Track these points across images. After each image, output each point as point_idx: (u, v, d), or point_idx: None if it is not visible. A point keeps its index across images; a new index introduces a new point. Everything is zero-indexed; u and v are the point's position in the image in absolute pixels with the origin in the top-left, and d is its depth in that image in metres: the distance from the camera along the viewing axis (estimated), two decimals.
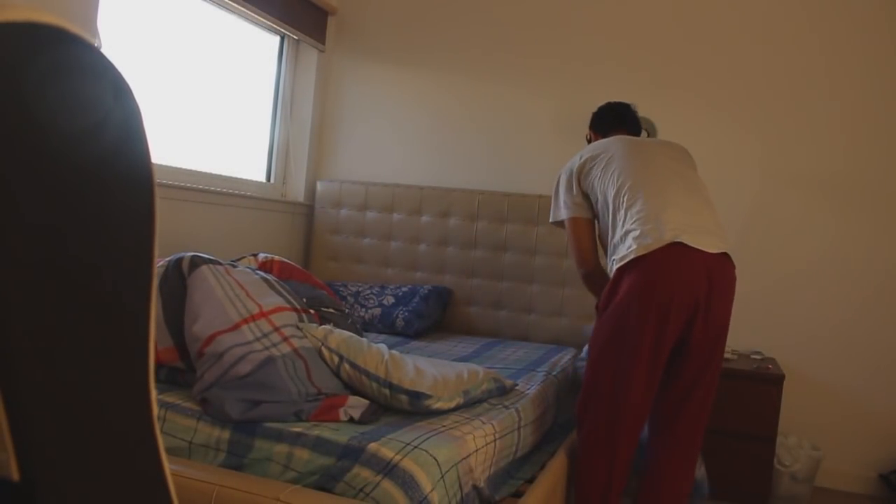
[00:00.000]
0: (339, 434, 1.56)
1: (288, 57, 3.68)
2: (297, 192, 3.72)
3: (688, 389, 1.96)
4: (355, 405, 1.72)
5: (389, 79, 3.69)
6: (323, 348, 1.83)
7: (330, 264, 3.60)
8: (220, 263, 1.98)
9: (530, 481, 1.89)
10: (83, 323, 0.59)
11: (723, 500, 2.72)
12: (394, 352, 1.86)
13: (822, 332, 3.08)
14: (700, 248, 1.87)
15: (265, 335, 1.77)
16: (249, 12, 3.17)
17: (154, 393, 0.66)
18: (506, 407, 1.96)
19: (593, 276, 2.24)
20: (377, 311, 3.11)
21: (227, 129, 3.36)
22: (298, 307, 1.96)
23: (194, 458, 1.63)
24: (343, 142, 3.77)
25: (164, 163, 2.87)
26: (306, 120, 3.72)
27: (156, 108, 2.88)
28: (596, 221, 2.20)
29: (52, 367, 0.55)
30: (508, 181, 3.43)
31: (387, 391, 1.75)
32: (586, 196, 2.18)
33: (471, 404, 1.91)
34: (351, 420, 1.68)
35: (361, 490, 1.45)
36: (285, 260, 2.29)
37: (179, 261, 1.96)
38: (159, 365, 1.88)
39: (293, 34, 3.52)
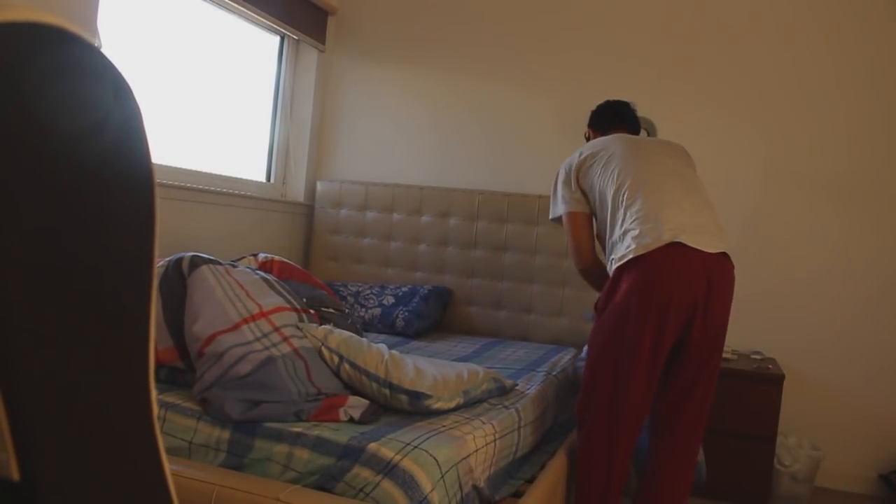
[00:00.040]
0: (339, 434, 1.56)
1: (288, 57, 3.68)
2: (297, 192, 3.72)
3: (687, 389, 1.96)
4: (355, 405, 1.72)
5: (389, 78, 3.69)
6: (323, 348, 1.83)
7: (330, 264, 3.60)
8: (220, 263, 1.98)
9: (530, 481, 1.89)
10: (83, 323, 0.59)
11: (723, 500, 2.72)
12: (394, 352, 1.86)
13: (822, 332, 3.08)
14: (699, 247, 1.87)
15: (265, 335, 1.77)
16: (249, 12, 3.17)
17: (154, 393, 0.66)
18: (506, 407, 1.96)
19: (591, 271, 2.23)
20: (377, 311, 3.11)
21: (227, 129, 3.36)
22: (298, 307, 1.96)
23: (194, 458, 1.63)
24: (343, 142, 3.77)
25: (164, 163, 2.87)
26: (306, 120, 3.72)
27: (156, 108, 2.88)
28: (593, 219, 2.20)
29: (52, 367, 0.55)
30: (508, 181, 3.43)
31: (387, 391, 1.75)
32: (584, 193, 2.18)
33: (471, 404, 1.91)
34: (351, 420, 1.68)
35: (361, 490, 1.45)
36: (285, 260, 2.29)
37: (179, 261, 1.96)
38: (159, 365, 1.88)
39: (293, 34, 3.52)
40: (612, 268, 1.99)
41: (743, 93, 3.17)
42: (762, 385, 2.73)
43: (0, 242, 0.51)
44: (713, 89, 3.21)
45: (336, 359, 1.81)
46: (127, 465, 0.64)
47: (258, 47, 3.55)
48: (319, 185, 3.66)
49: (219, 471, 1.55)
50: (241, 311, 1.81)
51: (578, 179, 2.16)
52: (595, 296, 2.23)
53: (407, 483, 1.42)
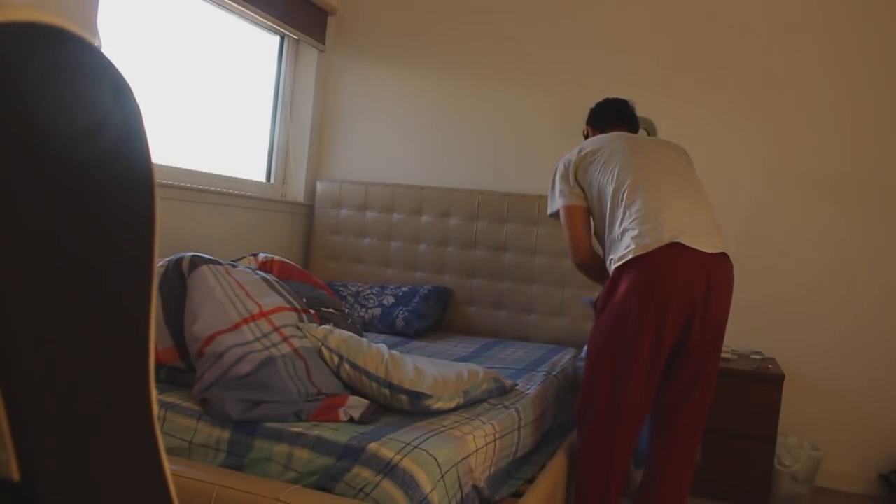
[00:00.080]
0: (339, 434, 1.56)
1: (288, 57, 3.68)
2: (297, 192, 3.72)
3: (686, 390, 1.96)
4: (355, 405, 1.72)
5: (389, 78, 3.69)
6: (323, 348, 1.83)
7: (330, 264, 3.60)
8: (220, 263, 1.98)
9: (530, 481, 1.89)
10: (83, 323, 0.59)
11: (723, 500, 2.72)
12: (394, 352, 1.86)
13: (822, 332, 3.08)
14: (698, 248, 1.87)
15: (265, 335, 1.77)
16: (249, 12, 3.17)
17: (154, 393, 0.66)
18: (506, 407, 1.96)
19: (589, 265, 2.21)
20: (377, 311, 3.11)
21: (227, 129, 3.36)
22: (298, 307, 1.96)
23: (194, 458, 1.63)
24: (343, 142, 3.77)
25: (164, 163, 2.87)
26: (306, 120, 3.72)
27: (156, 108, 2.88)
28: (591, 215, 2.20)
29: (52, 367, 0.55)
30: (508, 181, 3.43)
31: (387, 391, 1.75)
32: (583, 189, 2.17)
33: (471, 404, 1.91)
34: (351, 420, 1.68)
35: (361, 490, 1.45)
36: (285, 260, 2.29)
37: (179, 261, 1.96)
38: (159, 365, 1.88)
39: (293, 34, 3.52)
40: (611, 268, 1.99)
41: (745, 92, 3.17)
42: (762, 385, 2.73)
43: (0, 242, 0.51)
44: (714, 89, 3.21)
45: (336, 359, 1.81)
46: (127, 464, 0.64)
47: (258, 47, 3.55)
48: (319, 185, 3.66)
49: (219, 471, 1.55)
50: (241, 311, 1.81)
51: (577, 175, 2.15)
52: (595, 285, 2.22)
53: (407, 483, 1.42)
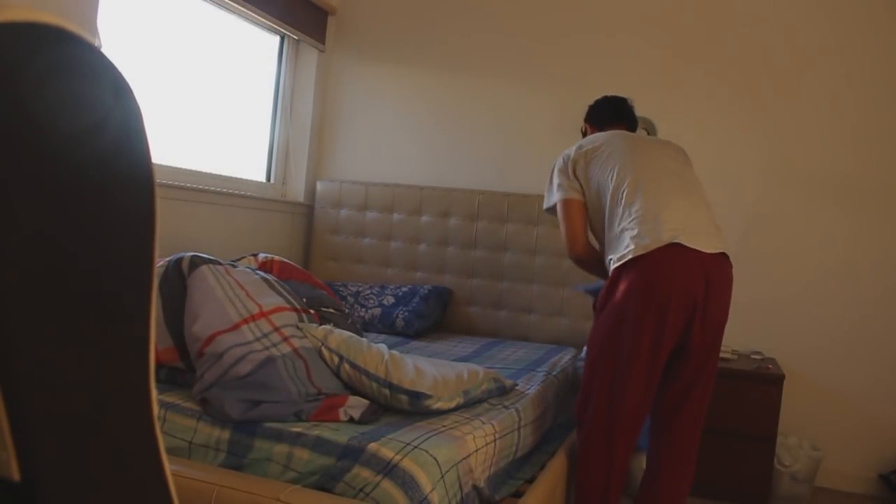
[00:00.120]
0: (339, 434, 1.56)
1: (288, 57, 3.68)
2: (297, 192, 3.72)
3: (685, 390, 1.96)
4: (355, 405, 1.72)
5: (389, 78, 3.69)
6: (323, 348, 1.83)
7: (330, 264, 3.60)
8: (220, 263, 1.98)
9: (530, 481, 1.89)
10: (83, 323, 0.59)
11: (723, 500, 2.72)
12: (394, 352, 1.86)
13: (822, 332, 3.08)
14: (697, 248, 1.87)
15: (265, 335, 1.77)
16: (249, 12, 3.17)
17: (154, 393, 0.66)
18: (506, 407, 1.96)
19: (586, 260, 2.20)
20: (377, 311, 3.11)
21: (227, 129, 3.36)
22: (298, 307, 1.96)
23: (194, 458, 1.63)
24: (343, 142, 3.77)
25: (164, 163, 2.87)
26: (306, 120, 3.72)
27: (156, 108, 2.88)
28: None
29: (52, 368, 0.55)
30: (508, 181, 3.43)
31: (387, 391, 1.75)
32: (581, 185, 2.16)
33: (471, 404, 1.91)
34: (351, 420, 1.68)
35: (361, 490, 1.45)
36: (285, 260, 2.29)
37: (179, 261, 1.96)
38: (159, 365, 1.88)
39: (293, 34, 3.52)
40: (610, 267, 1.98)
41: (747, 92, 3.17)
42: (762, 385, 2.73)
43: None
44: (714, 89, 3.21)
45: (336, 359, 1.81)
46: (127, 464, 0.64)
47: (258, 47, 3.55)
48: (319, 185, 3.66)
49: (219, 471, 1.55)
50: (241, 311, 1.81)
51: (576, 170, 2.14)
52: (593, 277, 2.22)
53: (407, 483, 1.42)
